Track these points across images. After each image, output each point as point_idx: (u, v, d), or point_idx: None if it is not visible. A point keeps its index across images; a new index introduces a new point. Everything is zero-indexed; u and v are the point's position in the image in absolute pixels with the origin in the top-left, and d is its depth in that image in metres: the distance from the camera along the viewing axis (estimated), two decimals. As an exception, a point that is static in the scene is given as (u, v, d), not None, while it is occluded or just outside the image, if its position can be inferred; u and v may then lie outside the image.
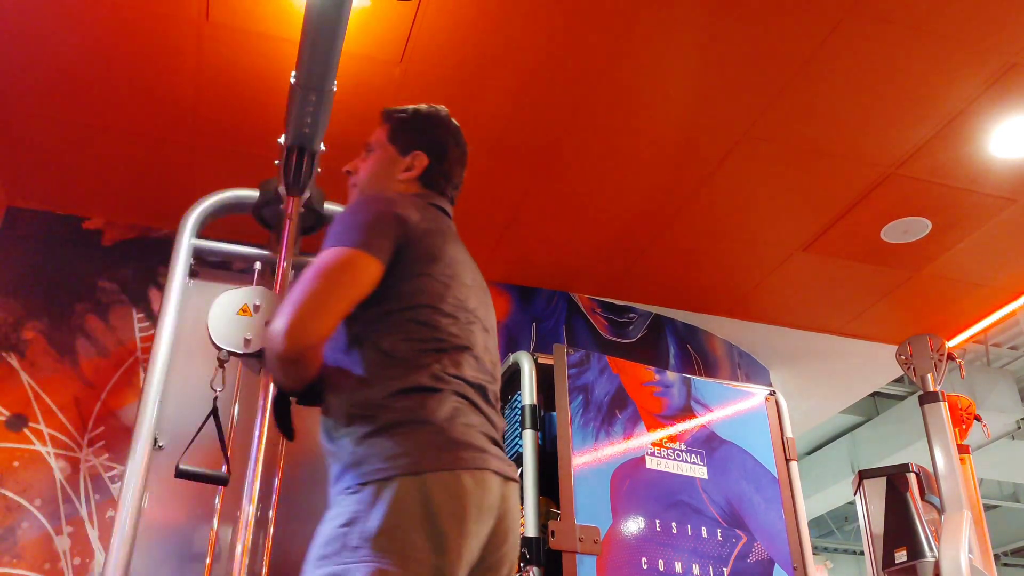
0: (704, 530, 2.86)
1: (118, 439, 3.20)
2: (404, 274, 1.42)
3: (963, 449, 3.44)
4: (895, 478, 3.34)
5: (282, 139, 2.57)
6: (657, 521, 2.80)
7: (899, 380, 7.04)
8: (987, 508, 8.56)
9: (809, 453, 8.60)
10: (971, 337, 4.60)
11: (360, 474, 1.30)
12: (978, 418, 3.61)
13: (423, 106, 1.71)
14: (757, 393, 3.31)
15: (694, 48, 2.86)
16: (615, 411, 2.95)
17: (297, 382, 1.41)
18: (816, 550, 10.25)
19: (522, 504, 2.65)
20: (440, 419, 1.34)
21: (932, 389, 3.51)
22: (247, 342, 2.32)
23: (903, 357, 3.69)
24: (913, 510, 3.23)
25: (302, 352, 1.33)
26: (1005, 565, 9.91)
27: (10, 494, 3.04)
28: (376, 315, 1.41)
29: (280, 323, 1.32)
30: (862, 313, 4.39)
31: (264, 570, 2.32)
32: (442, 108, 1.72)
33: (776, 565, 2.93)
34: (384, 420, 1.33)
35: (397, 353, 1.39)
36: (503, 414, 3.16)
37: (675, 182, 3.48)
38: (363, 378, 1.38)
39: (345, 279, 1.36)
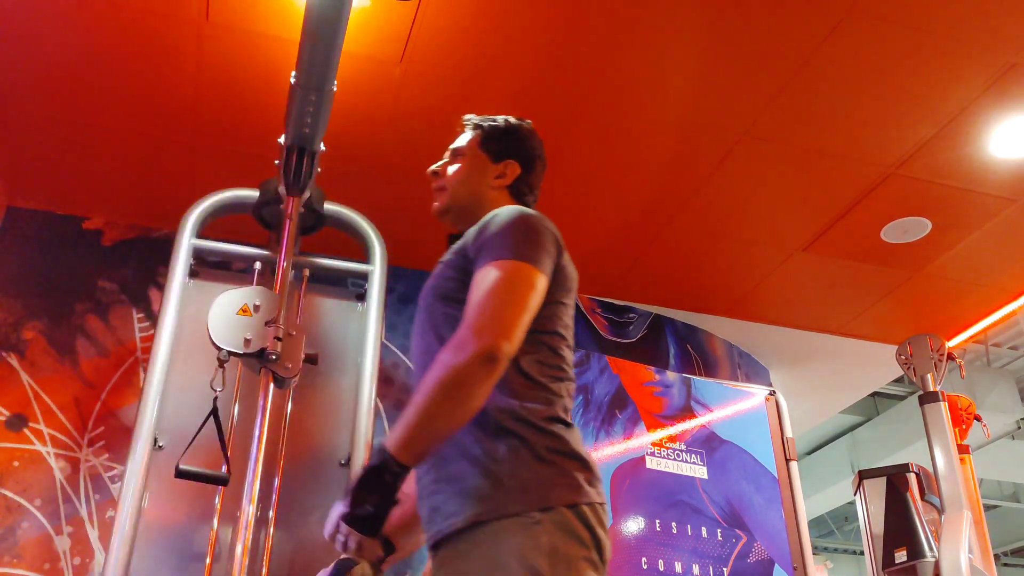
0: (704, 530, 2.87)
1: (118, 439, 3.20)
2: (547, 298, 1.43)
3: (963, 449, 3.44)
4: (895, 478, 3.34)
5: (282, 139, 2.57)
6: (657, 521, 2.80)
7: (899, 380, 7.04)
8: (987, 508, 8.56)
9: (809, 453, 8.60)
10: (971, 337, 4.60)
11: (528, 500, 1.27)
12: (978, 418, 3.61)
13: (512, 117, 1.75)
14: (757, 393, 3.31)
15: (694, 48, 2.86)
16: (615, 411, 2.95)
17: (472, 405, 1.31)
18: (816, 550, 10.25)
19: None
20: (583, 453, 1.37)
21: (932, 389, 3.51)
22: (247, 342, 2.31)
23: (903, 357, 3.69)
24: (913, 510, 3.23)
25: (506, 353, 1.29)
26: (1005, 565, 9.90)
27: (10, 494, 3.04)
28: None
29: (481, 328, 1.29)
30: (862, 313, 4.39)
31: (264, 570, 2.32)
32: (529, 121, 1.77)
33: (776, 565, 2.93)
34: (543, 447, 1.33)
35: (532, 374, 1.40)
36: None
37: (675, 182, 3.48)
38: (509, 395, 1.36)
39: (531, 294, 1.37)
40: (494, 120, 1.73)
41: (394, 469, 1.28)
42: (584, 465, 1.34)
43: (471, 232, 1.51)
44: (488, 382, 1.29)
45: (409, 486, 1.42)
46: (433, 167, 1.73)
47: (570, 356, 1.49)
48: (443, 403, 1.28)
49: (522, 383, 1.38)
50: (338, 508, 1.36)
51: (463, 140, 1.72)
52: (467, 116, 1.76)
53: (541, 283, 1.40)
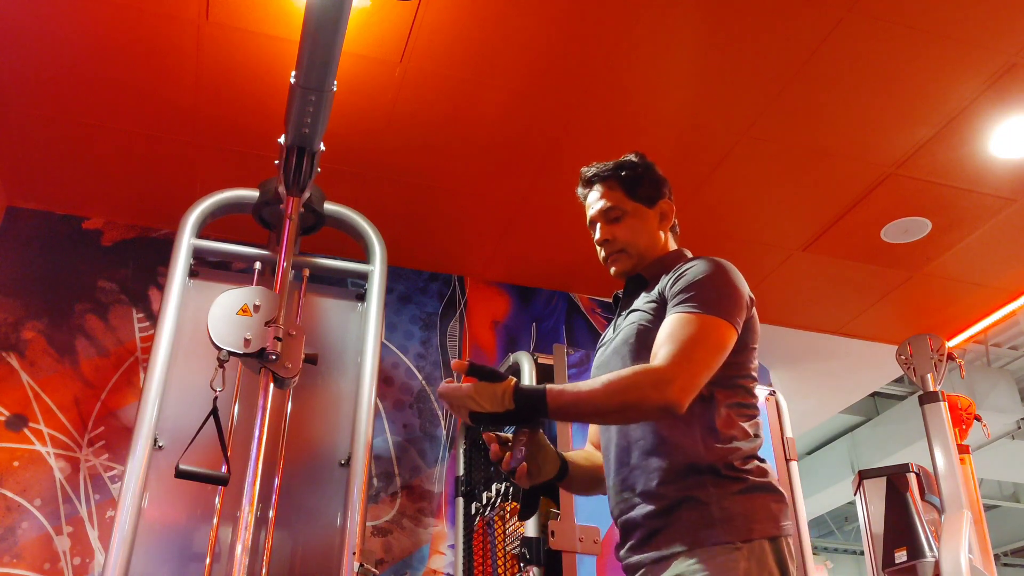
0: (704, 530, 2.86)
1: (118, 439, 3.20)
2: (740, 347, 1.58)
3: (963, 449, 3.44)
4: (895, 478, 3.34)
5: (282, 139, 2.57)
6: (657, 521, 2.79)
7: (899, 380, 7.03)
8: (987, 508, 8.56)
9: (809, 453, 8.59)
10: (971, 337, 4.60)
11: (737, 530, 1.44)
12: (978, 418, 3.61)
13: (632, 157, 1.80)
14: (757, 393, 3.30)
15: (694, 48, 2.86)
16: (615, 411, 2.94)
17: (629, 423, 1.56)
18: (816, 550, 10.24)
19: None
20: (779, 488, 1.53)
21: (932, 389, 3.51)
22: (247, 342, 2.31)
23: (903, 357, 3.69)
24: (913, 510, 3.23)
25: (681, 412, 1.44)
26: (1005, 565, 9.90)
27: (10, 494, 3.04)
28: (718, 376, 1.53)
29: (678, 382, 1.43)
30: (862, 313, 4.39)
31: (264, 570, 2.32)
32: (642, 154, 1.83)
33: (776, 565, 2.93)
34: (751, 481, 1.49)
35: (734, 417, 1.56)
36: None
37: (675, 182, 3.45)
38: (715, 432, 1.53)
39: (721, 356, 1.51)
40: (623, 167, 1.78)
41: (539, 412, 1.46)
42: (781, 499, 1.51)
43: (668, 279, 1.62)
44: (653, 420, 1.52)
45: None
46: (600, 237, 1.77)
47: (755, 391, 1.65)
48: (615, 413, 1.48)
49: (726, 427, 1.54)
50: (465, 387, 1.47)
51: (609, 199, 1.76)
52: (589, 172, 1.80)
53: (732, 340, 1.54)
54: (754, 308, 1.65)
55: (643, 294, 1.68)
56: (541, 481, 1.61)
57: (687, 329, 1.50)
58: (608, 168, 1.78)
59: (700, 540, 1.44)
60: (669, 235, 1.80)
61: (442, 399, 1.49)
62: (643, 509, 1.53)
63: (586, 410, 1.48)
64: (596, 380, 1.49)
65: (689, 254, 1.76)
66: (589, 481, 1.72)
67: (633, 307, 1.69)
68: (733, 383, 1.58)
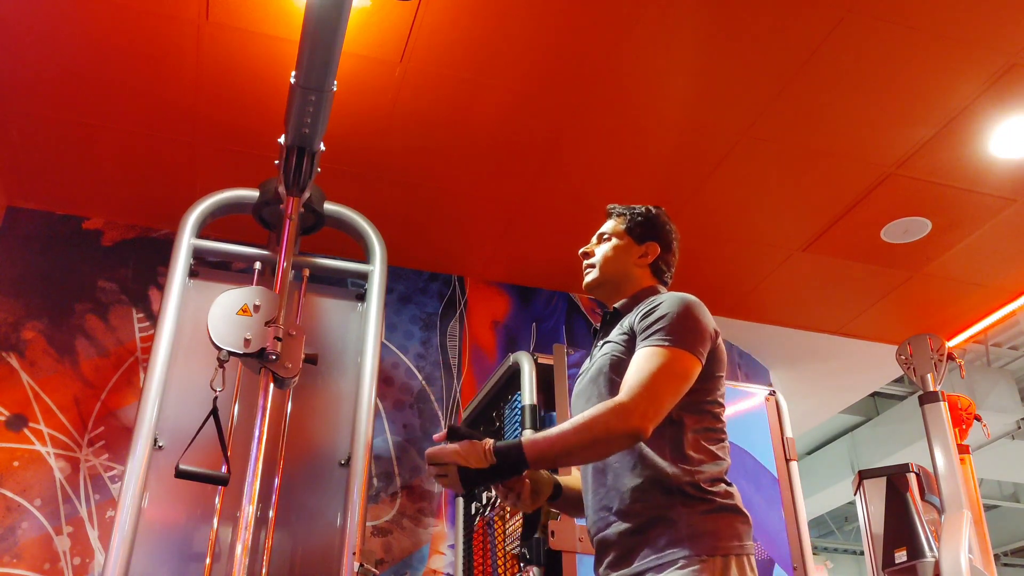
0: (704, 530, 2.86)
1: (118, 439, 3.20)
2: (705, 375, 1.69)
3: (963, 449, 3.43)
4: (895, 478, 3.33)
5: (282, 139, 2.57)
6: (657, 521, 2.79)
7: (899, 380, 7.03)
8: (987, 508, 8.56)
9: (809, 453, 8.59)
10: (971, 337, 4.60)
11: (703, 546, 1.54)
12: (978, 418, 3.60)
13: (651, 206, 2.00)
14: (757, 393, 3.30)
15: (694, 48, 2.86)
16: (615, 411, 2.94)
17: (604, 457, 1.66)
18: (816, 550, 10.24)
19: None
20: (744, 510, 1.64)
21: (932, 389, 3.50)
22: (247, 342, 2.31)
23: (903, 357, 3.68)
24: (913, 510, 3.23)
25: (646, 437, 1.56)
26: (1005, 565, 9.90)
27: (10, 494, 3.04)
28: (686, 403, 1.66)
29: (639, 410, 1.56)
30: (862, 313, 4.39)
31: (264, 570, 2.32)
32: (663, 209, 2.02)
33: (776, 565, 2.93)
34: (718, 503, 1.60)
35: (702, 442, 1.67)
36: (503, 415, 3.17)
37: (675, 182, 3.48)
38: (684, 455, 1.64)
39: (684, 385, 1.64)
40: (636, 209, 1.98)
41: (520, 465, 1.56)
42: (746, 520, 1.62)
43: (637, 313, 1.75)
44: (624, 449, 1.62)
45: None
46: (584, 248, 1.99)
47: (723, 416, 1.75)
48: (586, 449, 1.59)
49: (694, 449, 1.65)
50: (451, 447, 1.58)
51: (609, 226, 1.98)
52: (612, 205, 2.02)
53: (695, 370, 1.65)
54: (719, 339, 1.76)
55: (616, 327, 1.82)
56: (540, 504, 1.78)
57: (652, 362, 1.63)
58: (626, 206, 2.00)
59: (669, 557, 1.55)
60: (649, 273, 1.93)
61: (430, 461, 1.58)
62: (618, 527, 1.64)
63: (560, 451, 1.58)
64: (566, 423, 1.60)
65: (663, 291, 1.90)
66: (576, 501, 1.84)
67: (607, 339, 1.82)
68: (700, 408, 1.69)
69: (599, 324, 1.94)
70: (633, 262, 1.92)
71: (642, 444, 1.63)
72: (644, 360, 1.64)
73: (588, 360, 1.91)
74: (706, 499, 1.60)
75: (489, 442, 1.57)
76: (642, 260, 1.93)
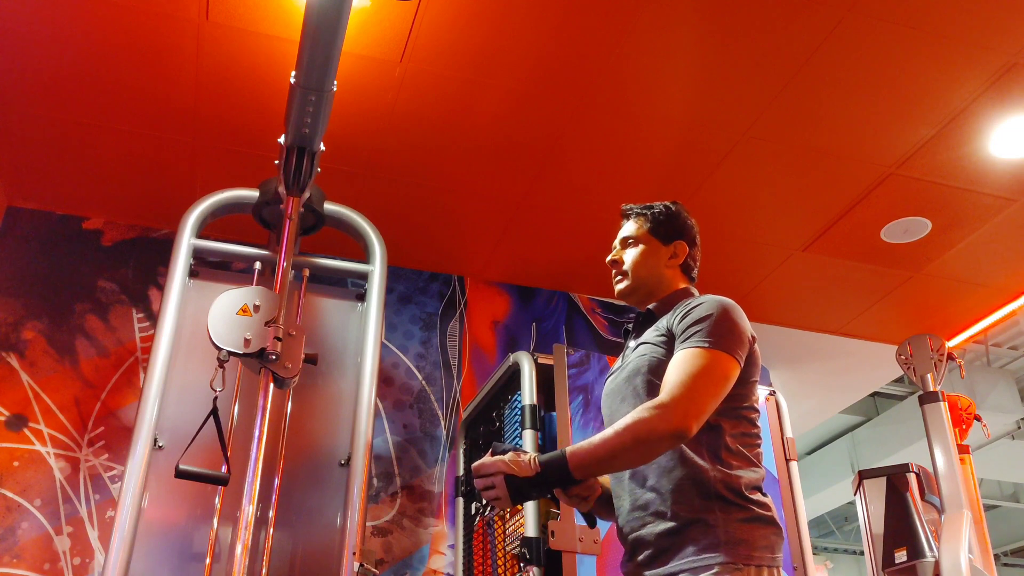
0: (704, 530, 2.86)
1: (118, 439, 3.20)
2: (742, 379, 1.70)
3: (963, 449, 3.43)
4: (895, 478, 3.33)
5: (282, 139, 2.57)
6: (657, 521, 2.79)
7: (899, 380, 7.03)
8: (987, 508, 8.56)
9: (809, 453, 8.59)
10: (971, 337, 4.60)
11: (738, 554, 1.55)
12: (978, 418, 3.61)
13: (669, 203, 1.98)
14: (757, 393, 3.30)
15: (694, 47, 2.86)
16: (615, 411, 2.94)
17: (648, 460, 1.64)
18: (816, 550, 10.24)
19: (522, 504, 2.65)
20: (777, 521, 1.64)
21: (932, 389, 3.50)
22: (247, 342, 2.31)
23: (903, 357, 3.68)
24: (913, 510, 3.23)
25: (690, 436, 1.56)
26: (1005, 565, 9.90)
27: (10, 494, 3.04)
28: (723, 407, 1.66)
29: (680, 408, 1.56)
30: (862, 313, 4.39)
31: (264, 570, 2.32)
32: (680, 203, 2.01)
33: (776, 565, 2.93)
34: (755, 512, 1.61)
35: (739, 447, 1.67)
36: (503, 416, 3.17)
37: (675, 182, 3.48)
38: (722, 459, 1.65)
39: (725, 387, 1.64)
40: (655, 207, 1.96)
41: (565, 477, 1.58)
42: (779, 532, 1.63)
43: (676, 314, 1.75)
44: (668, 450, 1.61)
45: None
46: (611, 257, 1.96)
47: (757, 421, 1.76)
48: (631, 452, 1.58)
49: (732, 455, 1.66)
50: (497, 458, 1.61)
51: (631, 229, 1.96)
52: (627, 205, 2.00)
53: (735, 373, 1.66)
54: (755, 344, 1.76)
55: (651, 328, 1.81)
56: (594, 502, 1.80)
57: (693, 362, 1.63)
58: (643, 206, 1.98)
59: (705, 561, 1.56)
60: (680, 272, 1.93)
61: (476, 473, 1.62)
62: (654, 528, 1.64)
63: (605, 456, 1.58)
64: (606, 430, 1.61)
65: (696, 292, 1.89)
66: (609, 501, 1.85)
67: (642, 339, 1.81)
68: (738, 413, 1.70)
69: (631, 324, 1.94)
70: (664, 264, 1.92)
71: (682, 446, 1.64)
72: (685, 361, 1.63)
73: (620, 359, 1.90)
74: (744, 507, 1.61)
75: (533, 454, 1.61)
76: (672, 261, 1.93)
